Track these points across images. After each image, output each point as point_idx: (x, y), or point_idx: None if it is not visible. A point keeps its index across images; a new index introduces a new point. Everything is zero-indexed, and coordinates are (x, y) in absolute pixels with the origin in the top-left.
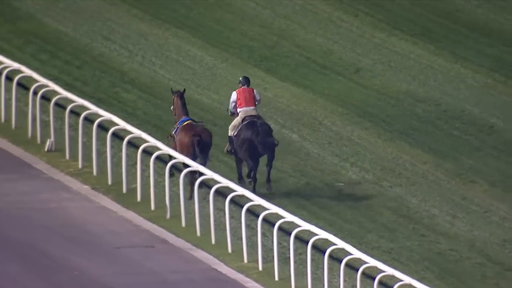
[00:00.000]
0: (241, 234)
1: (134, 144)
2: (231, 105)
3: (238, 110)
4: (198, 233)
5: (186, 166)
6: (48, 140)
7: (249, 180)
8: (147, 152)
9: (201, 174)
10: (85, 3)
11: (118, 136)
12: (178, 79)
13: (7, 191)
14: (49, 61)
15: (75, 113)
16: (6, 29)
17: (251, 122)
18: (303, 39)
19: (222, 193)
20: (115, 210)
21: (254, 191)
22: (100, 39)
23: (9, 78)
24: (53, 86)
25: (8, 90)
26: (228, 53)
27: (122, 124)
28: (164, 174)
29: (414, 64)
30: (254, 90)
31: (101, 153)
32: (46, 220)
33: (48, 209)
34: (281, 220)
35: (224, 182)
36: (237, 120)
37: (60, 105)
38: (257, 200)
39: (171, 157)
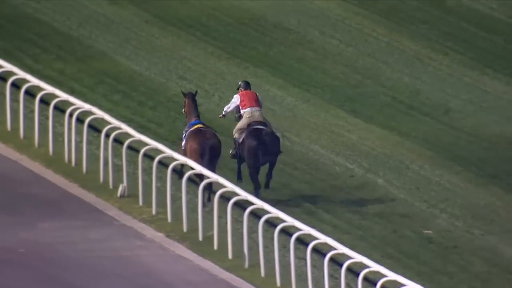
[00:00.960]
0: (324, 286)
1: (210, 189)
2: (230, 106)
3: (242, 111)
4: (278, 283)
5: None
6: (121, 185)
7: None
8: (224, 198)
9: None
10: (160, 41)
11: (194, 181)
12: None
13: (78, 238)
14: (122, 102)
15: (149, 156)
16: (77, 68)
17: (256, 130)
18: (389, 78)
19: (302, 240)
20: (191, 258)
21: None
22: (175, 78)
23: (80, 120)
24: (125, 128)
25: (79, 133)
26: (309, 93)
27: (198, 168)
28: (242, 221)
29: (508, 104)
30: (257, 94)
31: (175, 199)
32: (118, 269)
33: (120, 257)
34: (366, 270)
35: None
36: (242, 123)
37: (133, 148)
38: (341, 249)
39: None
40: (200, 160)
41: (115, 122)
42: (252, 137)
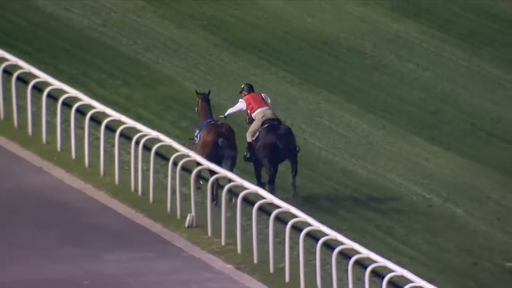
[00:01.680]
0: None
1: (281, 219)
2: (233, 109)
3: (253, 114)
4: None
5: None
6: (189, 215)
7: (271, 187)
8: (296, 228)
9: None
10: (229, 66)
11: (265, 210)
12: (330, 148)
13: (145, 270)
14: (190, 129)
15: (218, 185)
16: (144, 94)
17: (272, 126)
18: (469, 104)
19: (378, 273)
20: None
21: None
22: None
23: (147, 148)
24: (194, 155)
25: (145, 161)
26: (385, 119)
27: (269, 197)
28: (314, 252)
29: None
30: (262, 94)
31: (245, 229)
32: None
33: None
34: None
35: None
36: (256, 125)
37: (202, 177)
38: (418, 282)
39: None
40: (213, 150)
41: (183, 150)
42: (268, 133)
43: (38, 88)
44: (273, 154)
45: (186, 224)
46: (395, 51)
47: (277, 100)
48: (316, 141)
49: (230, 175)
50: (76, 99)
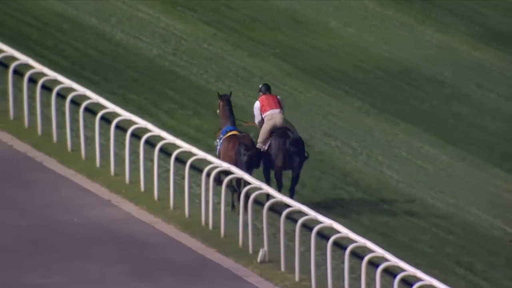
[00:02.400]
0: None
1: (357, 254)
2: (256, 116)
3: (264, 115)
4: None
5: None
6: (261, 249)
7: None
8: (373, 264)
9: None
10: (303, 95)
11: (340, 245)
12: (408, 180)
13: None
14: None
15: (292, 219)
16: (215, 125)
17: (284, 132)
18: None
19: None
20: None
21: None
22: (320, 135)
23: (217, 180)
24: (266, 188)
25: (217, 193)
26: (465, 150)
27: (344, 231)
28: (388, 286)
29: None
30: (278, 96)
31: (320, 264)
32: None
33: None
34: None
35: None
36: (264, 129)
37: (275, 210)
38: None
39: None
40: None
41: (255, 182)
42: (280, 138)
43: (107, 119)
44: (283, 158)
45: (259, 259)
46: (475, 79)
47: (353, 131)
48: (393, 173)
49: (304, 208)
50: (145, 130)
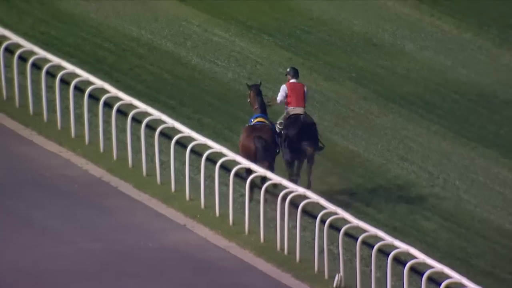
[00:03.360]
0: None
1: (434, 280)
2: (280, 98)
3: (287, 108)
4: None
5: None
6: (337, 274)
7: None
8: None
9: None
10: (379, 119)
11: (416, 270)
12: (485, 205)
13: None
14: (340, 184)
15: (368, 244)
16: None
17: (296, 118)
18: None
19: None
20: None
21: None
22: (396, 159)
23: (294, 204)
24: (342, 213)
25: (291, 218)
26: None
27: (421, 257)
28: None
29: None
30: (305, 87)
31: None
32: None
33: None
34: None
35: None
36: (284, 117)
37: (350, 235)
38: None
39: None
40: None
41: (330, 207)
42: (291, 124)
43: (182, 143)
44: (293, 144)
45: (334, 285)
46: None
47: (430, 155)
48: (470, 198)
49: (380, 233)
50: (220, 155)
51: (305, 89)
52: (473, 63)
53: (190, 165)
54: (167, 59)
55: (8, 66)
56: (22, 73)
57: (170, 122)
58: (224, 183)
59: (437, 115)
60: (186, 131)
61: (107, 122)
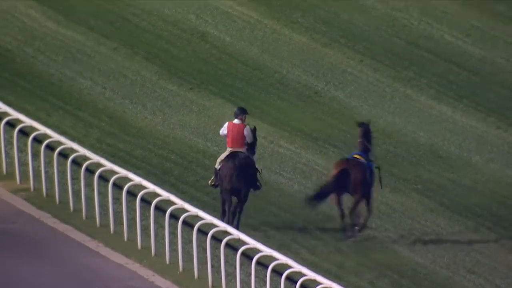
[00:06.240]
0: None
1: None
2: (222, 133)
3: (227, 148)
4: None
5: None
6: None
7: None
8: None
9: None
10: (445, 231)
11: None
12: None
13: None
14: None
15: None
16: (356, 262)
17: (234, 154)
18: None
19: None
20: None
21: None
22: (463, 272)
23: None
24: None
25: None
26: None
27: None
28: None
29: None
30: (246, 129)
31: None
32: None
33: None
34: None
35: None
36: (224, 154)
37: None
38: None
39: None
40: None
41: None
42: (228, 159)
43: (247, 255)
44: (229, 179)
45: None
46: None
47: (496, 267)
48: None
49: None
50: (285, 266)
51: (245, 130)
52: None
53: (256, 276)
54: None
55: (75, 178)
56: (89, 185)
57: (236, 233)
58: None
59: (503, 228)
60: (251, 242)
61: (173, 233)
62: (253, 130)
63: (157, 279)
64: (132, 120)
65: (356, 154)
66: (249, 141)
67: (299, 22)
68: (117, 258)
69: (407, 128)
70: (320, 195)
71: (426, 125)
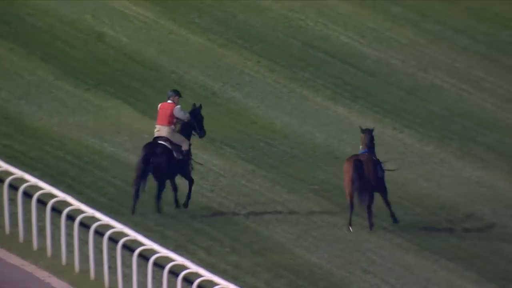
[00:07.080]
0: None
1: None
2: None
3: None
4: None
5: None
6: None
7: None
8: None
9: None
10: (341, 231)
11: None
12: None
13: None
14: None
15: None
16: (253, 262)
17: (149, 143)
18: None
19: None
20: None
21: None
22: (359, 272)
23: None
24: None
25: None
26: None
27: None
28: None
29: None
30: (176, 108)
31: None
32: None
33: None
34: None
35: None
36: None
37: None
38: None
39: None
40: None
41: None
42: (142, 149)
43: (144, 256)
44: (138, 165)
45: None
46: None
47: (392, 268)
48: None
49: None
50: (182, 267)
51: (175, 110)
52: (435, 176)
53: (153, 278)
54: (130, 172)
55: None
56: None
57: (133, 234)
58: None
59: (399, 228)
60: (148, 243)
61: (69, 234)
62: (196, 109)
63: (53, 281)
64: (28, 121)
65: (363, 152)
66: (185, 120)
67: (195, 22)
68: (13, 259)
69: (303, 128)
70: (360, 192)
71: (322, 126)
